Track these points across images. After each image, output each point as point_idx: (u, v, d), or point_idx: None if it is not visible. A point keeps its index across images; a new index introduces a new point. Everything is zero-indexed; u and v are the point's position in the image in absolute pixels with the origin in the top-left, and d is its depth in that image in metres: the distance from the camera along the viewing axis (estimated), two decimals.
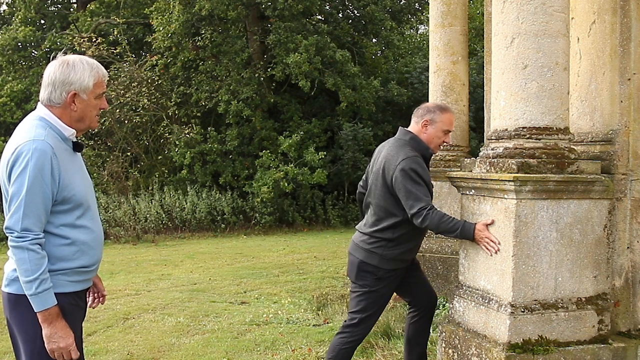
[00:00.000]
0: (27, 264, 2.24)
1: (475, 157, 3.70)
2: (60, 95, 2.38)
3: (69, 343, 2.33)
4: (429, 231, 6.25)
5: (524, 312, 3.13)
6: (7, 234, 2.28)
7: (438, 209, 3.28)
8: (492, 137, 3.47)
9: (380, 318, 4.78)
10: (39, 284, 2.25)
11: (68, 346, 2.33)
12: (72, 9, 21.02)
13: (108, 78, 2.50)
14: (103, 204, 14.40)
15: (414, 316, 3.58)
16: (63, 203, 2.35)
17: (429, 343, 4.46)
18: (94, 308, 2.75)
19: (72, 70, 2.37)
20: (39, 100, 2.46)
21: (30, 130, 2.33)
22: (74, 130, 2.44)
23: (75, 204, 2.38)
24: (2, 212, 15.26)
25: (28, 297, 2.28)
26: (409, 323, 3.62)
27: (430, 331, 3.67)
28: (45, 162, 2.26)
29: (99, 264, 2.56)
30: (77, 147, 2.48)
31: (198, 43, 15.80)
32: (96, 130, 15.11)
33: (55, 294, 2.33)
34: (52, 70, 2.39)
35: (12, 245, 2.26)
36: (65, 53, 2.48)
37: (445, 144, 3.58)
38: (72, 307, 2.42)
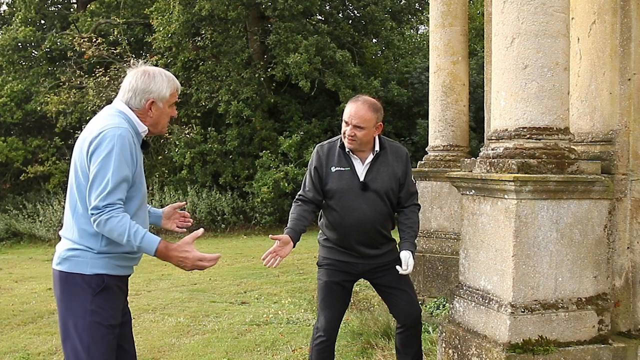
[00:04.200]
0: (115, 232, 2.42)
1: (476, 157, 3.69)
2: (139, 101, 2.61)
3: (190, 257, 2.52)
4: (429, 231, 6.31)
5: (524, 312, 3.13)
6: (92, 214, 2.43)
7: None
8: (492, 137, 3.46)
9: (380, 318, 4.80)
10: (134, 239, 2.42)
11: (194, 259, 2.52)
12: (72, 9, 21.01)
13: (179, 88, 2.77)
14: None
15: (398, 328, 3.50)
16: (132, 189, 2.55)
17: (429, 343, 4.47)
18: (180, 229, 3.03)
19: (153, 80, 2.61)
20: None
21: (113, 117, 2.55)
22: (146, 128, 2.65)
23: (140, 192, 2.60)
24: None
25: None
26: (396, 333, 3.55)
27: (421, 346, 3.55)
28: (127, 147, 2.48)
29: (142, 253, 2.70)
30: (144, 145, 2.69)
31: (198, 43, 15.81)
32: None
33: (104, 274, 2.53)
34: (133, 79, 2.62)
35: (96, 224, 2.43)
36: (145, 62, 2.73)
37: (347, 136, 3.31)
38: (117, 289, 2.61)
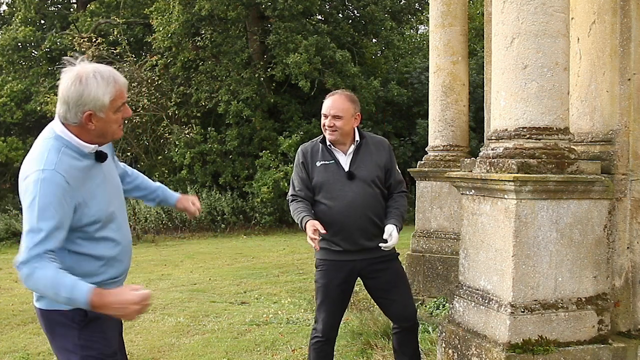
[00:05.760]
0: (41, 284, 2.11)
1: (475, 157, 3.69)
2: (75, 115, 2.20)
3: (124, 300, 2.10)
4: (429, 231, 6.31)
5: (524, 312, 3.13)
6: (18, 268, 2.14)
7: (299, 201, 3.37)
8: (492, 137, 3.46)
9: (380, 318, 4.80)
10: (60, 295, 2.10)
11: (127, 303, 2.10)
12: (72, 9, 21.04)
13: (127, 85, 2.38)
14: None
15: (394, 328, 3.51)
16: (82, 224, 2.25)
17: (429, 343, 4.47)
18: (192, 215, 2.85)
19: (86, 88, 2.17)
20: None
21: (43, 154, 2.19)
22: (94, 146, 2.29)
23: (94, 220, 2.28)
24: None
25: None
26: (393, 333, 3.56)
27: (418, 346, 3.55)
28: (54, 191, 2.13)
29: (127, 272, 2.47)
30: (99, 157, 2.33)
31: (198, 43, 15.81)
32: None
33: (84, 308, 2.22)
34: (65, 86, 2.19)
35: (23, 280, 2.13)
36: (75, 57, 2.28)
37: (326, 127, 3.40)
38: (105, 315, 2.27)
